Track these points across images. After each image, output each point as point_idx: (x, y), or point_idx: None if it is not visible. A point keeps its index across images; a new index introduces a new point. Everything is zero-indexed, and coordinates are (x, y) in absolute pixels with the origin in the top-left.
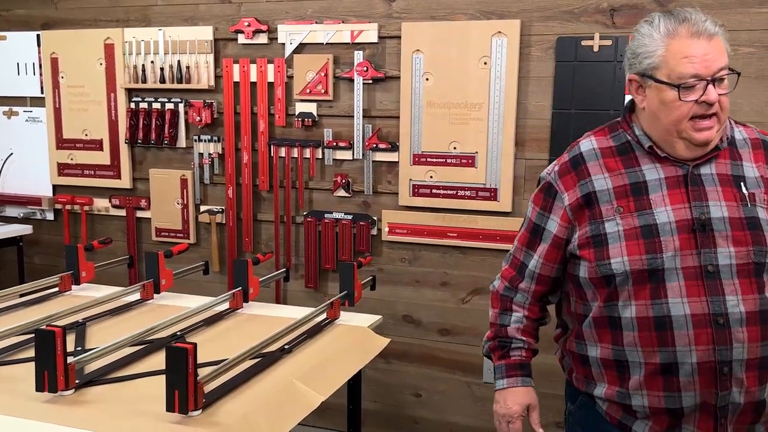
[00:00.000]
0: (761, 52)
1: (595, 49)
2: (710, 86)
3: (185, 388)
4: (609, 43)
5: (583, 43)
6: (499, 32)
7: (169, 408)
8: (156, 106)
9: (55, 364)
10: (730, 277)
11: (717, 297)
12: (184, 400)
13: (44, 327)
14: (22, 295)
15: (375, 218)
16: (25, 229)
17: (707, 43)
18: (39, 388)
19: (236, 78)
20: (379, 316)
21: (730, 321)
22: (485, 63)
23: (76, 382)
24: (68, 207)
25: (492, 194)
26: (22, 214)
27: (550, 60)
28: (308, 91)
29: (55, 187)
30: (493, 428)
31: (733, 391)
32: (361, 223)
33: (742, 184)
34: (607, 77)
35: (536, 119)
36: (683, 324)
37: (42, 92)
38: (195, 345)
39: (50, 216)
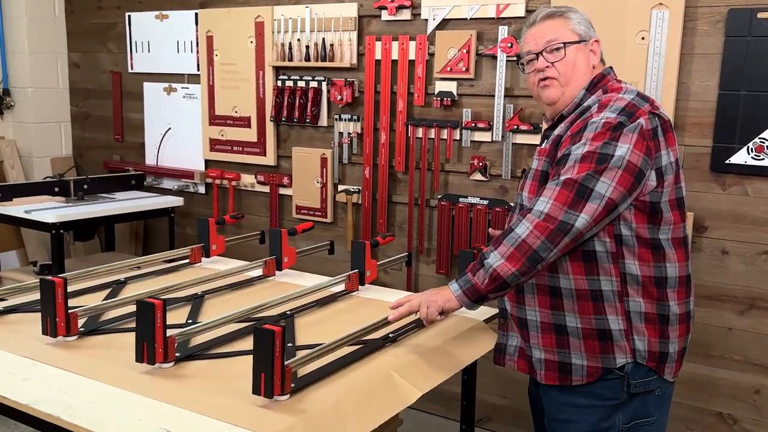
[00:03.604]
0: None
1: None
2: (541, 57)
3: (271, 372)
4: None
5: (759, 15)
6: (661, 4)
7: (255, 391)
8: (300, 84)
9: (154, 336)
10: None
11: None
12: (270, 384)
13: (146, 299)
14: (168, 262)
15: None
16: (176, 201)
17: (538, 26)
18: (138, 358)
19: (378, 56)
20: (497, 309)
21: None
22: (643, 38)
23: (177, 355)
24: (218, 182)
25: None
26: (176, 187)
27: (719, 35)
28: (449, 69)
29: (206, 162)
30: None
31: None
32: (497, 209)
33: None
34: None
35: (699, 101)
36: None
37: (198, 69)
38: (283, 328)
39: (202, 189)
